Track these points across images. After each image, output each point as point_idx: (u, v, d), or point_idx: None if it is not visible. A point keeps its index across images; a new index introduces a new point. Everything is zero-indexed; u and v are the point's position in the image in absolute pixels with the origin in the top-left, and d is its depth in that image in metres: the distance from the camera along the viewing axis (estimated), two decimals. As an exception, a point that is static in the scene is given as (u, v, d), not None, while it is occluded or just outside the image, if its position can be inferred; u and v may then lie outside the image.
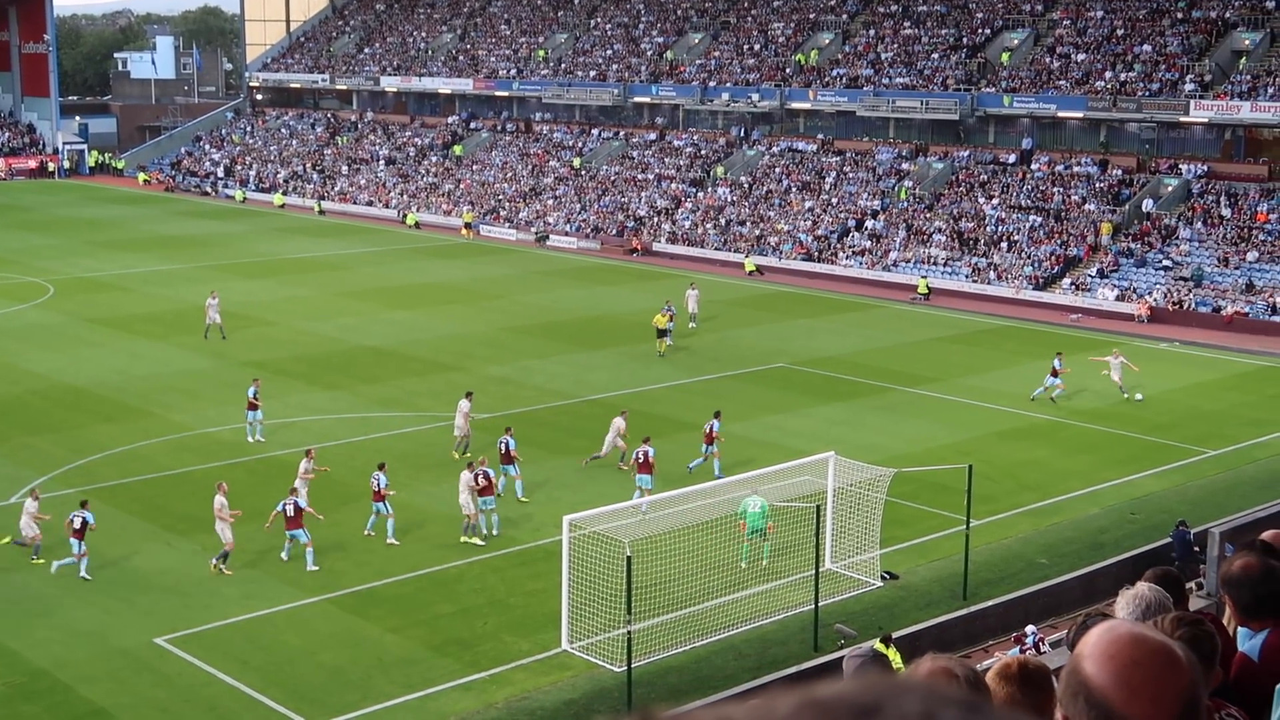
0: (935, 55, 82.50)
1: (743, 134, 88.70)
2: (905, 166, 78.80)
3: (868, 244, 72.50)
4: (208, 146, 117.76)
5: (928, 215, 73.28)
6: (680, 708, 2.05)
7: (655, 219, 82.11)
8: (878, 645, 22.94)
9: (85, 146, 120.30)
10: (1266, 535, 6.45)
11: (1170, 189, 69.03)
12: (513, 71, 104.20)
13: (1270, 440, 41.46)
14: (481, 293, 64.47)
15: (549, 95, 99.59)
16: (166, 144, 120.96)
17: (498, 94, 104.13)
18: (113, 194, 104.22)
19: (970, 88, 78.60)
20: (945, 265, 68.52)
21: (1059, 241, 67.36)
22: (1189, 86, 70.24)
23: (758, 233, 76.59)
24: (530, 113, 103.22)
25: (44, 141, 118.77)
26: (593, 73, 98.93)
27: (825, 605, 27.67)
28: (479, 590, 29.34)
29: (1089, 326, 58.89)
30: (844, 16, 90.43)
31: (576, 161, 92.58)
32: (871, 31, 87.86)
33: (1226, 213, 65.81)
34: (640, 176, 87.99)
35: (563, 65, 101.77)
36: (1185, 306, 59.94)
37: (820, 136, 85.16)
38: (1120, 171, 71.53)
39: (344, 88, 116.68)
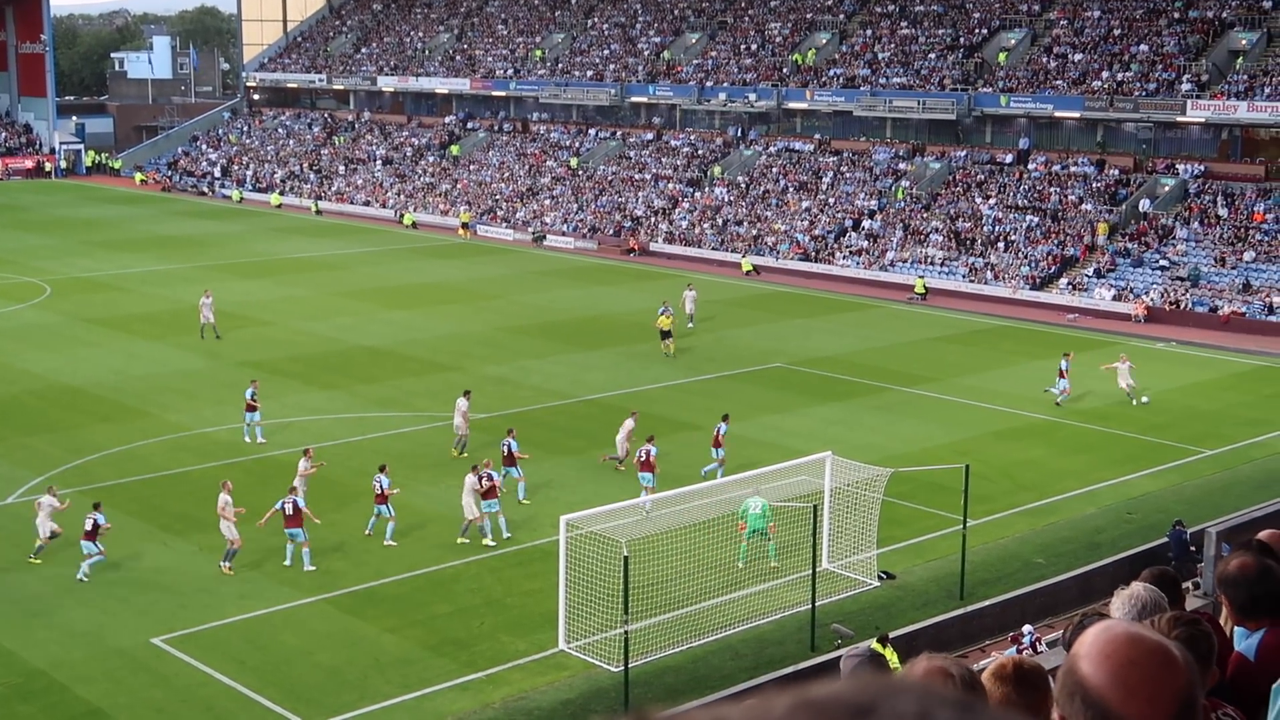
0: (932, 55, 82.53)
1: (740, 134, 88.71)
2: (902, 166, 78.83)
3: (865, 244, 72.52)
4: (205, 146, 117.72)
5: (925, 215, 73.30)
6: (677, 708, 2.05)
7: (652, 219, 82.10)
8: (875, 645, 22.93)
9: (82, 146, 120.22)
10: (1263, 535, 6.45)
11: (1167, 189, 69.07)
12: (510, 71, 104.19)
13: (1267, 440, 41.49)
14: (479, 293, 64.46)
15: (546, 95, 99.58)
16: (163, 144, 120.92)
17: (495, 94, 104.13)
18: (109, 194, 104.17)
19: (967, 88, 78.63)
20: (942, 265, 68.55)
21: (1056, 241, 67.39)
22: (1186, 86, 70.28)
23: (755, 233, 76.60)
24: (527, 113, 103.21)
25: (41, 141, 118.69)
26: (590, 73, 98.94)
27: (822, 605, 27.68)
28: (476, 590, 29.33)
29: (1086, 326, 58.92)
30: (841, 16, 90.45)
31: (574, 161, 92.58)
32: (868, 31, 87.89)
33: (1223, 212, 65.85)
34: (637, 176, 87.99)
35: (560, 65, 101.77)
36: (1182, 306, 59.98)
37: (817, 136, 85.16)
38: (1117, 171, 71.57)
39: (341, 88, 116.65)
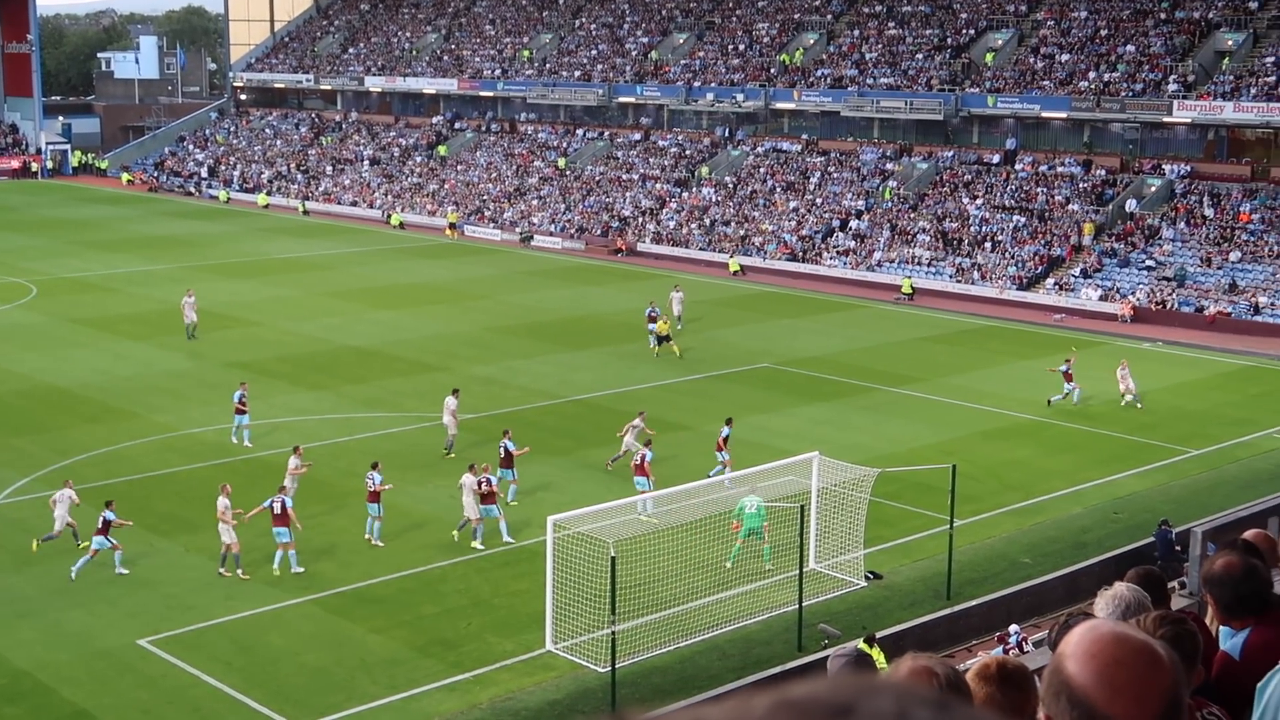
0: (920, 56, 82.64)
1: (727, 134, 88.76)
2: (889, 167, 78.92)
3: (852, 244, 72.59)
4: (191, 147, 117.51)
5: (912, 215, 73.40)
6: (662, 708, 2.05)
7: (640, 219, 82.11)
8: (862, 645, 22.95)
9: (68, 147, 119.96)
10: (1248, 534, 6.47)
11: (1153, 189, 69.23)
12: (497, 72, 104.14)
13: (1253, 440, 41.59)
14: (466, 293, 64.43)
15: (534, 95, 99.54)
16: (150, 144, 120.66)
17: (482, 94, 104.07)
18: (96, 194, 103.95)
19: (954, 88, 78.75)
20: (929, 265, 68.64)
21: (1043, 241, 67.52)
22: (1172, 87, 70.45)
23: (742, 233, 76.63)
24: (515, 113, 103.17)
25: (27, 142, 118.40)
26: (577, 73, 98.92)
27: (809, 605, 27.69)
28: (463, 591, 29.31)
29: (1072, 326, 59.04)
30: (828, 17, 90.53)
31: (561, 162, 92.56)
32: (856, 32, 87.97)
33: (1209, 213, 66.02)
34: (625, 177, 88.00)
35: (547, 65, 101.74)
36: (1168, 306, 60.11)
37: (805, 137, 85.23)
38: (1104, 172, 71.71)
39: (328, 88, 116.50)
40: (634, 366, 49.61)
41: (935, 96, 78.55)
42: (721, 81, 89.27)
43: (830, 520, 30.86)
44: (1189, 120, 69.70)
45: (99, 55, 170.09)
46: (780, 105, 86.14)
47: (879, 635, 24.68)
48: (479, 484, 31.42)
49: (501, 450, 34.51)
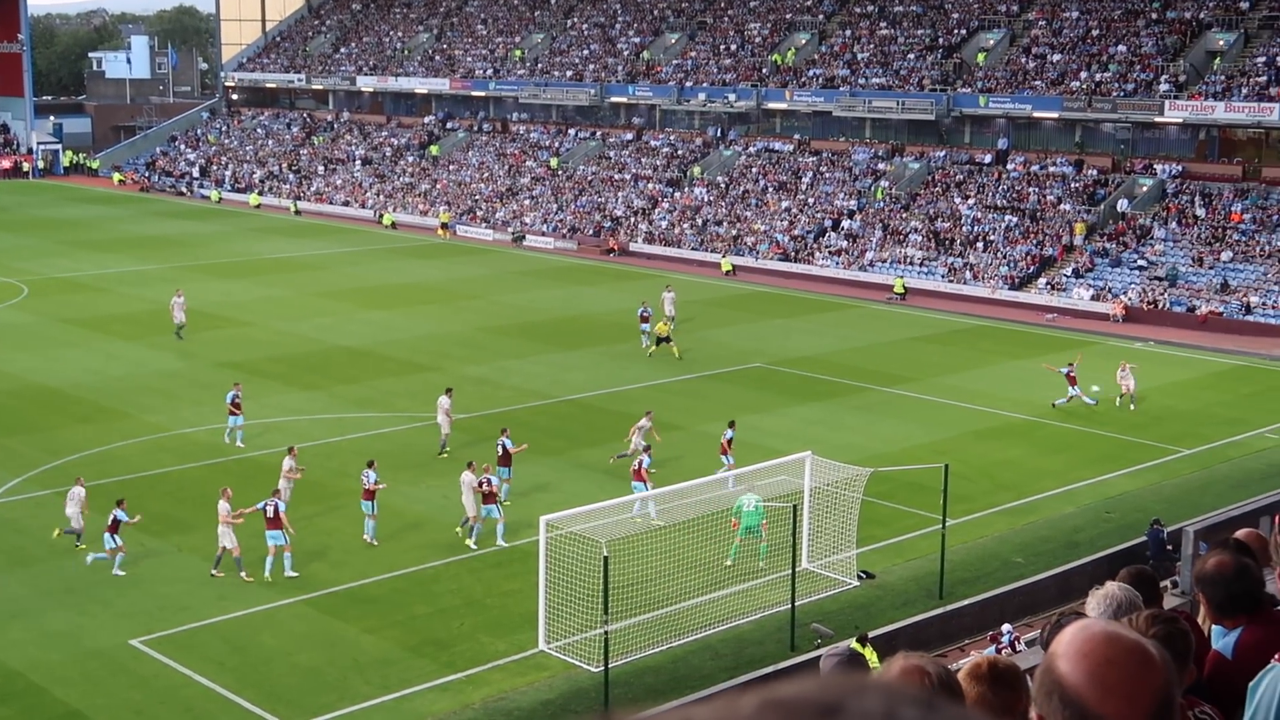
0: (911, 56, 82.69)
1: (719, 134, 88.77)
2: (881, 166, 78.97)
3: (844, 244, 72.63)
4: (183, 146, 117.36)
5: (904, 215, 73.45)
6: (654, 708, 2.05)
7: (632, 219, 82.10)
8: (854, 645, 22.96)
9: (60, 146, 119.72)
10: (1240, 534, 6.48)
11: (1145, 189, 69.33)
12: (489, 71, 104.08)
13: (1244, 439, 41.66)
14: (458, 293, 64.39)
15: (525, 95, 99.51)
16: (141, 144, 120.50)
17: (474, 94, 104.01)
18: (87, 194, 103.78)
19: (946, 88, 78.80)
20: (921, 265, 68.69)
21: (1035, 241, 67.59)
22: (1164, 87, 70.55)
23: (734, 233, 76.65)
24: (507, 113, 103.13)
25: (18, 141, 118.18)
26: (569, 73, 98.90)
27: (802, 605, 27.70)
28: (456, 591, 29.29)
29: (1064, 326, 59.10)
30: (820, 17, 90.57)
31: (553, 161, 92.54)
32: (848, 32, 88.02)
33: (1201, 212, 66.12)
34: (617, 176, 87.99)
35: (539, 65, 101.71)
36: (1160, 306, 60.19)
37: (797, 136, 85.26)
38: (1095, 171, 71.80)
39: (320, 88, 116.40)
40: (626, 366, 49.60)
41: (927, 96, 78.61)
42: (713, 81, 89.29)
43: (823, 520, 30.88)
44: (1180, 120, 69.79)
45: (90, 55, 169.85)
46: (772, 105, 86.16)
47: (871, 635, 24.71)
48: (480, 483, 31.42)
49: (499, 448, 34.49)
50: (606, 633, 24.73)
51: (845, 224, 74.48)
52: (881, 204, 75.09)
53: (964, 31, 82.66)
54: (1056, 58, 76.79)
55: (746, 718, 1.89)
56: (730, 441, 35.81)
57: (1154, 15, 75.78)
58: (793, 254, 73.06)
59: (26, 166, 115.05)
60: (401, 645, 26.56)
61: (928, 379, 48.26)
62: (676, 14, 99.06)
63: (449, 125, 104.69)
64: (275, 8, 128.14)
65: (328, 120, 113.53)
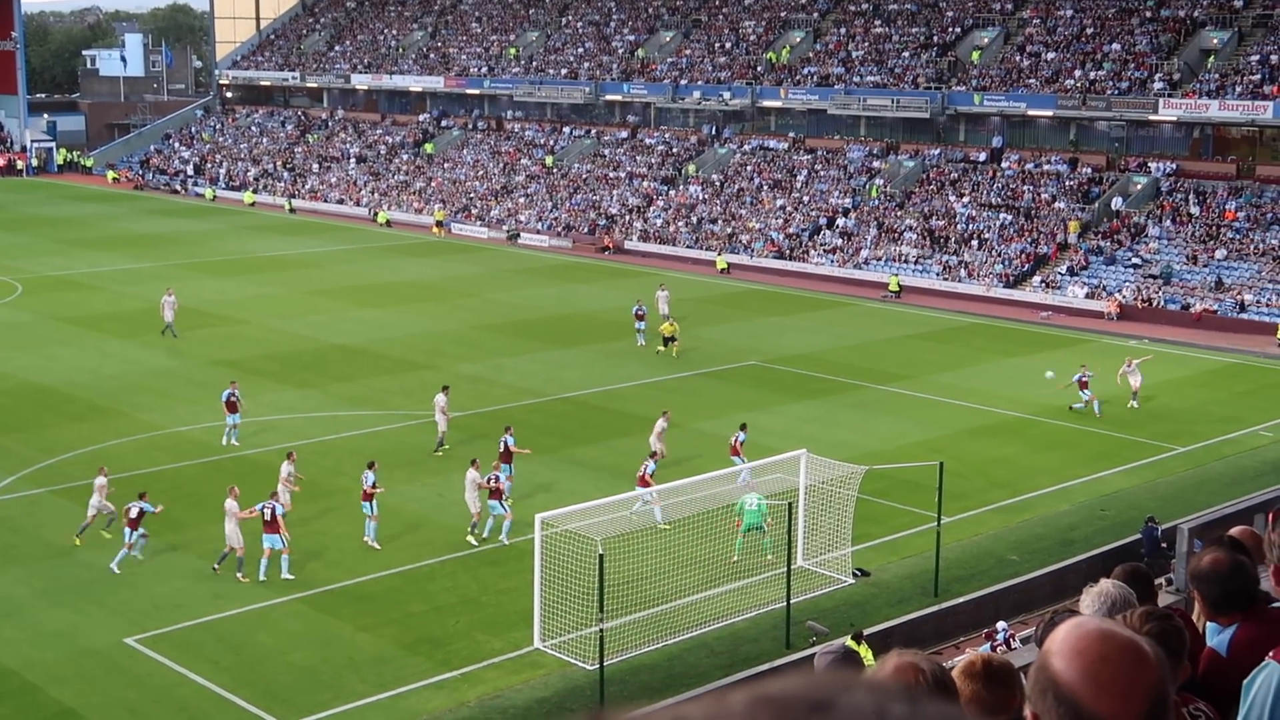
0: (906, 54, 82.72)
1: (714, 132, 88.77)
2: (876, 164, 78.99)
3: (839, 242, 72.65)
4: (177, 144, 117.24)
5: (899, 213, 73.48)
6: (649, 706, 2.06)
7: (627, 217, 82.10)
8: (849, 642, 22.97)
9: (54, 144, 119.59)
10: (1235, 531, 6.49)
11: (1139, 187, 69.40)
12: (484, 69, 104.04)
13: (1238, 437, 41.70)
14: (453, 291, 64.36)
15: (520, 93, 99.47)
16: (135, 142, 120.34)
17: (469, 92, 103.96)
18: (81, 192, 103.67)
19: (941, 86, 78.84)
20: (916, 263, 68.72)
21: (1029, 239, 67.63)
22: (1158, 85, 70.60)
23: (729, 231, 76.66)
24: (501, 111, 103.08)
25: (12, 139, 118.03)
26: (564, 71, 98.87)
27: (797, 602, 27.71)
28: (451, 589, 29.28)
29: (1059, 324, 59.16)
30: (815, 15, 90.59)
31: (548, 159, 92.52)
32: (842, 30, 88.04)
33: (1195, 211, 66.18)
34: (612, 174, 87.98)
35: (534, 63, 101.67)
36: (1154, 304, 60.25)
37: (791, 134, 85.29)
38: (1090, 169, 71.86)
39: (314, 85, 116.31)
40: (621, 364, 49.60)
41: (922, 94, 78.64)
42: (708, 79, 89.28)
43: (818, 518, 30.90)
44: (1174, 118, 69.85)
45: (84, 53, 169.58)
46: (767, 103, 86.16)
47: (867, 632, 24.72)
48: (488, 479, 31.44)
49: (501, 445, 34.43)
50: (602, 630, 24.73)
51: (840, 222, 74.50)
52: (876, 202, 75.12)
53: (958, 29, 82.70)
54: (1051, 56, 76.84)
55: (737, 715, 1.89)
56: (742, 444, 35.34)
57: (1148, 13, 75.84)
58: (787, 252, 73.07)
59: (20, 164, 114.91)
60: (397, 643, 26.55)
61: (922, 377, 48.29)
62: (671, 12, 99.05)
63: (444, 123, 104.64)
64: (269, 5, 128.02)
65: (322, 118, 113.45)
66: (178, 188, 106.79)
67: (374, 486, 31.21)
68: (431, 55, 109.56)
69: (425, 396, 40.53)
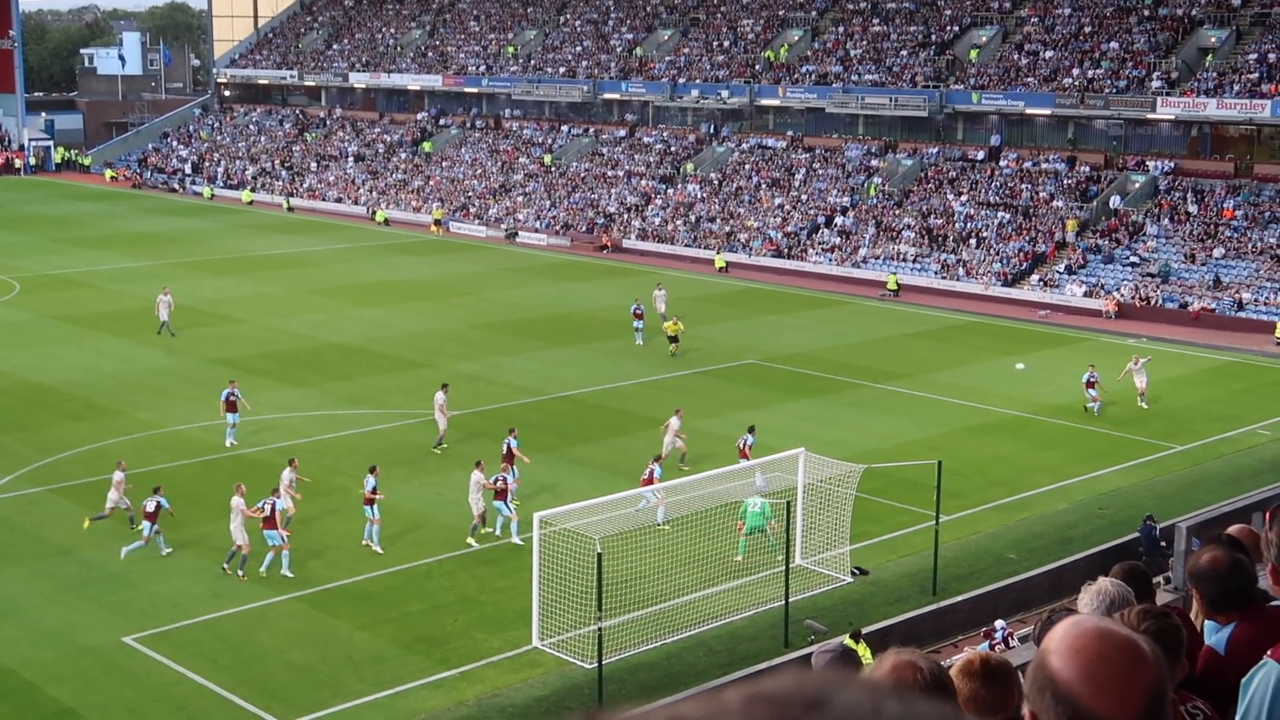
0: (904, 52, 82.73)
1: (712, 131, 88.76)
2: (874, 163, 78.99)
3: (837, 240, 72.66)
4: (175, 143, 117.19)
5: (897, 212, 73.49)
6: (647, 705, 2.06)
7: (625, 215, 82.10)
8: (848, 641, 22.98)
9: (51, 143, 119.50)
10: (1233, 529, 6.49)
11: (1137, 185, 69.40)
12: (482, 68, 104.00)
13: (1237, 435, 41.72)
14: (451, 289, 64.36)
15: (518, 92, 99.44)
16: (133, 140, 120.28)
17: (467, 90, 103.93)
18: (79, 191, 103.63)
19: (939, 85, 78.85)
20: (914, 262, 68.72)
21: (1027, 238, 67.65)
22: (1156, 83, 70.60)
23: (728, 229, 76.66)
24: (500, 109, 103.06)
25: (9, 138, 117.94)
26: (562, 69, 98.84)
27: (795, 601, 27.71)
28: (449, 588, 29.28)
29: (1057, 323, 59.17)
30: (813, 13, 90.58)
31: (546, 158, 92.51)
32: (840, 28, 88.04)
33: (1193, 209, 66.20)
34: (610, 173, 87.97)
35: (532, 62, 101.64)
36: (1152, 302, 60.27)
37: (790, 133, 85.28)
38: (1088, 168, 71.86)
39: (312, 84, 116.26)
40: (619, 363, 49.60)
41: (920, 93, 78.64)
42: (706, 78, 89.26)
43: (816, 516, 30.90)
44: (1172, 117, 69.86)
45: (82, 51, 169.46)
46: (765, 102, 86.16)
47: (865, 631, 24.72)
48: (494, 481, 31.44)
49: (504, 447, 34.36)
50: (600, 629, 24.73)
51: (838, 220, 74.51)
52: (874, 200, 75.12)
53: (957, 28, 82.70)
54: (1049, 54, 76.85)
55: (733, 713, 1.90)
56: (750, 447, 35.04)
57: (1146, 12, 75.85)
58: (786, 250, 73.08)
59: (18, 163, 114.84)
60: (395, 642, 26.55)
61: (920, 375, 48.30)
62: (669, 10, 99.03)
63: (442, 122, 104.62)
64: (268, 4, 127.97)
65: (320, 117, 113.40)
66: (175, 186, 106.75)
67: (374, 492, 31.08)
68: (430, 54, 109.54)
69: (423, 395, 40.53)
